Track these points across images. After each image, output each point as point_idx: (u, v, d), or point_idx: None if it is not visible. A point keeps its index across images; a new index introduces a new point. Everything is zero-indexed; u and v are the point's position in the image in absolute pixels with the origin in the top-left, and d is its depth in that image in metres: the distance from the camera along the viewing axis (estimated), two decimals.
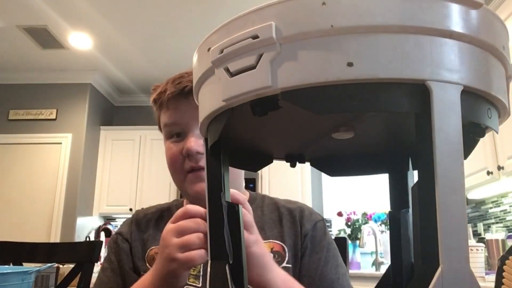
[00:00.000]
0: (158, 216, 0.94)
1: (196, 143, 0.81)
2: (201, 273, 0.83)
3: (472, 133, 0.34)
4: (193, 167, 0.82)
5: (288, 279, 0.72)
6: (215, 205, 0.40)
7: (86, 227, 4.64)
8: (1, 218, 4.38)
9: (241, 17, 0.33)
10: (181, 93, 0.83)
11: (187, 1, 3.38)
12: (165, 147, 0.88)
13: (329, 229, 0.93)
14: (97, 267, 1.62)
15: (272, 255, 0.83)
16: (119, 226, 0.98)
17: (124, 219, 1.01)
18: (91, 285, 1.14)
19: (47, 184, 4.46)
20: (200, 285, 0.82)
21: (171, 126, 0.85)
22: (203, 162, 0.80)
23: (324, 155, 0.50)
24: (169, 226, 0.64)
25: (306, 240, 0.87)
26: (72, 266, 1.37)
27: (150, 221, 0.93)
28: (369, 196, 4.23)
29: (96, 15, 3.59)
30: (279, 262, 0.83)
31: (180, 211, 0.64)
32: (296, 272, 0.85)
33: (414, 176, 0.43)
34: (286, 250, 0.85)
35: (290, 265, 0.84)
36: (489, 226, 3.22)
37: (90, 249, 1.35)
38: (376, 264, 3.61)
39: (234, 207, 0.41)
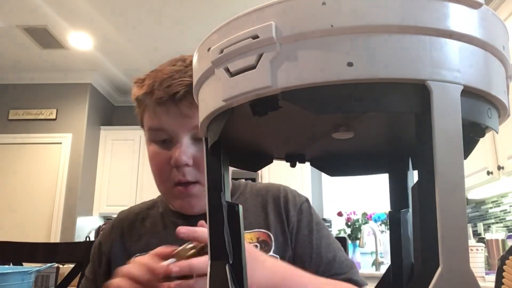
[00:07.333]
0: (142, 216, 0.91)
1: (185, 154, 0.76)
2: None
3: (472, 133, 0.34)
4: (180, 180, 0.78)
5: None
6: (215, 205, 0.40)
7: (86, 227, 4.64)
8: (1, 218, 4.39)
9: (241, 17, 0.33)
10: (171, 99, 0.75)
11: (187, 2, 3.38)
12: (149, 149, 0.83)
13: (329, 229, 0.92)
14: None
15: (258, 246, 0.82)
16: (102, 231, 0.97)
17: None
18: None
19: (47, 184, 4.46)
20: None
21: (156, 131, 0.79)
22: (191, 176, 0.78)
23: (324, 155, 0.49)
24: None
25: (293, 225, 0.85)
26: (72, 266, 1.37)
27: (133, 223, 0.90)
28: (369, 196, 4.23)
29: (96, 15, 3.59)
30: (266, 251, 0.81)
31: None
32: (289, 259, 0.83)
33: (414, 176, 0.43)
34: (272, 238, 0.83)
35: (276, 255, 0.82)
36: (489, 226, 3.22)
37: (90, 249, 1.35)
38: (376, 264, 3.61)
39: (234, 207, 0.41)
